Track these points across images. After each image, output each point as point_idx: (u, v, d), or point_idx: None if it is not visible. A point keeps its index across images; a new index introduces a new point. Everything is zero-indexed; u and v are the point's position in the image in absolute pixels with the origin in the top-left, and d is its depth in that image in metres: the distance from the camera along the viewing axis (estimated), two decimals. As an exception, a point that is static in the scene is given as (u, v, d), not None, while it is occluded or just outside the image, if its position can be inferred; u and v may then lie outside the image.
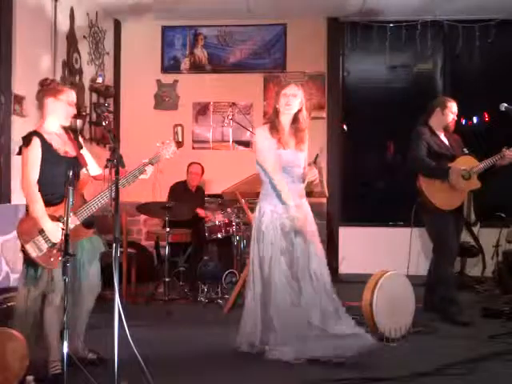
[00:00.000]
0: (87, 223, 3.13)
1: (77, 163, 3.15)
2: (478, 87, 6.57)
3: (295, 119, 3.56)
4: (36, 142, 3.02)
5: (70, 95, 3.18)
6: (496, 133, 6.01)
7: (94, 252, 3.25)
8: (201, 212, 5.94)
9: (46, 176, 3.03)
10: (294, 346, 3.34)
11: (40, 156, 3.03)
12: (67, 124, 3.22)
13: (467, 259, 5.96)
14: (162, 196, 5.78)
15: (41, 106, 3.16)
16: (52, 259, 2.98)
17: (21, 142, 3.08)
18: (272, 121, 3.58)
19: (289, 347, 3.35)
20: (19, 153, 3.10)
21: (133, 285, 5.31)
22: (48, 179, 3.04)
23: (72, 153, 3.17)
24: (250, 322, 3.54)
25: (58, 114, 3.14)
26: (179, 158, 6.45)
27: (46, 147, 3.05)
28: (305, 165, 3.61)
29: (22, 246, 3.01)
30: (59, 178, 2.97)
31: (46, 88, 3.14)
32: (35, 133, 3.06)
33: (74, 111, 3.22)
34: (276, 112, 3.57)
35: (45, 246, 2.98)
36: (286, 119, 3.56)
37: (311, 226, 3.57)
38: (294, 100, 3.50)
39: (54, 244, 2.97)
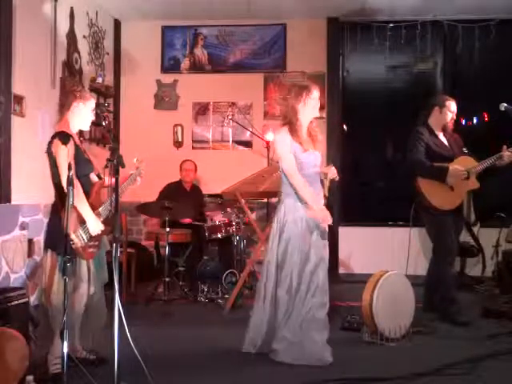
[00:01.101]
0: (105, 221, 3.27)
1: (92, 165, 3.33)
2: (478, 87, 6.57)
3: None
4: (72, 141, 3.15)
5: (93, 103, 3.34)
6: (495, 133, 6.00)
7: (104, 250, 3.37)
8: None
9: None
10: (296, 348, 3.34)
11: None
12: (87, 129, 3.43)
13: (467, 259, 5.96)
14: (153, 196, 5.74)
15: (65, 110, 3.26)
16: (90, 250, 3.15)
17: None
18: (290, 122, 3.47)
19: (290, 349, 3.34)
20: (47, 151, 3.17)
21: (133, 285, 5.32)
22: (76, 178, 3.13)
23: (87, 155, 3.33)
24: (257, 321, 3.52)
25: (82, 119, 3.29)
26: (179, 158, 6.52)
27: (76, 147, 3.19)
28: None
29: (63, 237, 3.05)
30: (83, 177, 3.16)
31: (78, 94, 3.27)
32: (67, 133, 3.17)
33: (94, 118, 3.36)
34: (295, 112, 3.45)
35: (84, 237, 3.12)
36: (306, 121, 3.50)
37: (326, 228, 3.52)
38: (318, 104, 3.51)
39: (91, 236, 3.13)
